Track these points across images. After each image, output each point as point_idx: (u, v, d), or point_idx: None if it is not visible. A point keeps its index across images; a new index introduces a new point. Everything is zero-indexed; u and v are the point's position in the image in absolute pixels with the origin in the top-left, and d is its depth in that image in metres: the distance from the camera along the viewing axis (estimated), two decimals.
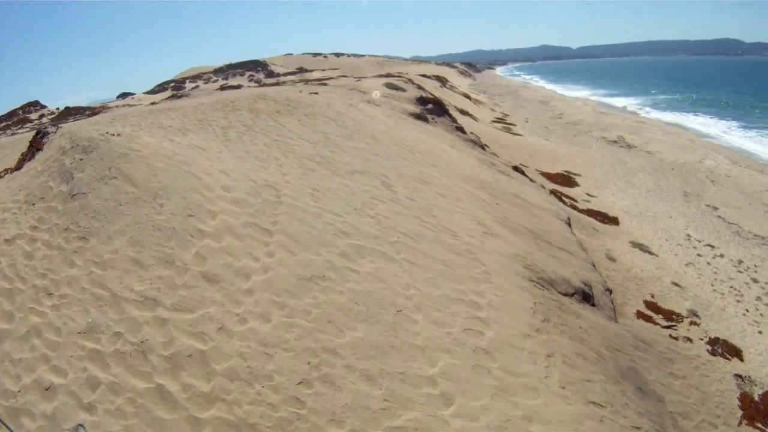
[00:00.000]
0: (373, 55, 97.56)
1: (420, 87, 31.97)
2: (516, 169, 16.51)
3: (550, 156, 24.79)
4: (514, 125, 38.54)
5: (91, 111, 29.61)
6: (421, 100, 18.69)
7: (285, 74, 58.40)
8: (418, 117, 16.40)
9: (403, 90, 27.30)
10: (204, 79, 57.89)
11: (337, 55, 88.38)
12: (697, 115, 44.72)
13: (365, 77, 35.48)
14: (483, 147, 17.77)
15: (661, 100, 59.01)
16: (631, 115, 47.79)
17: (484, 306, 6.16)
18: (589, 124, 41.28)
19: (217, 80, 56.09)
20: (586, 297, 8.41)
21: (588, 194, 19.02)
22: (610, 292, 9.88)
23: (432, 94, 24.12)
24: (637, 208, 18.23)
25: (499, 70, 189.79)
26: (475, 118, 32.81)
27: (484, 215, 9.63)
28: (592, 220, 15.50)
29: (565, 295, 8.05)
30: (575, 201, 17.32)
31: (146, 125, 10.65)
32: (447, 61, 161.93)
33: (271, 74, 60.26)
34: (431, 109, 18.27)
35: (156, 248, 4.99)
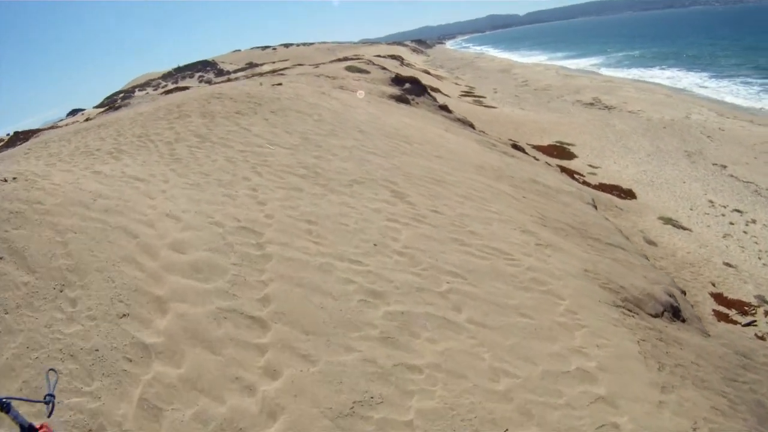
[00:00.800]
0: (323, 42, 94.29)
1: (383, 67, 29.76)
2: (515, 146, 14.54)
3: (535, 126, 22.95)
4: (484, 97, 36.65)
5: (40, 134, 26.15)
6: (397, 80, 16.45)
7: (235, 71, 55.04)
8: (399, 99, 14.17)
9: (367, 72, 25.04)
10: (153, 86, 54.37)
11: (286, 46, 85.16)
12: (663, 69, 43.81)
13: (322, 63, 32.86)
14: (472, 126, 15.72)
15: (621, 57, 58.19)
16: (596, 75, 46.59)
17: (597, 373, 4.13)
18: (558, 88, 39.81)
19: (167, 85, 52.67)
20: (676, 312, 6.50)
21: (591, 165, 17.23)
22: (685, 293, 8.03)
23: (398, 73, 21.89)
24: (646, 176, 16.57)
25: (450, 44, 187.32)
26: (446, 94, 30.73)
27: (522, 217, 7.58)
28: (609, 196, 13.70)
29: (656, 316, 6.11)
30: (582, 176, 15.50)
31: (67, 153, 8.12)
32: (397, 41, 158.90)
33: (221, 73, 56.90)
34: (410, 88, 16.06)
35: (68, 400, 2.69)
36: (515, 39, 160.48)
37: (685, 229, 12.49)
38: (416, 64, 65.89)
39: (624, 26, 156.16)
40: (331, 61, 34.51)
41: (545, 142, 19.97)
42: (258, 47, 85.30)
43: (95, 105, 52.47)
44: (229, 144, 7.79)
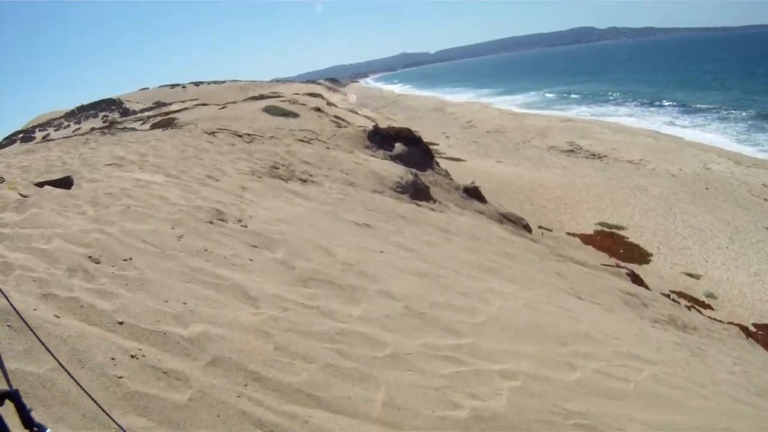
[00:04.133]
0: (234, 80, 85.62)
1: (318, 108, 21.89)
2: (633, 278, 7.24)
3: (547, 195, 16.14)
4: (437, 144, 29.92)
5: None
6: (378, 137, 8.72)
7: (141, 111, 45.79)
8: (418, 193, 6.39)
9: (296, 115, 17.39)
10: (55, 126, 45.38)
11: (196, 84, 76.70)
12: (618, 105, 39.93)
13: (232, 103, 24.59)
14: (528, 228, 8.31)
15: (556, 93, 54.73)
16: (546, 113, 41.66)
17: None
18: (513, 130, 34.24)
19: (69, 125, 44.02)
20: None
21: (688, 274, 10.44)
22: None
23: (378, 125, 14.37)
24: None
25: (363, 83, 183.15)
26: None
27: None
28: None
29: None
30: (700, 311, 8.51)
31: None
32: (309, 79, 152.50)
33: (126, 112, 47.74)
34: (405, 155, 8.37)
35: None
36: (430, 76, 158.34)
37: None
38: (338, 104, 58.99)
39: (541, 62, 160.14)
40: (244, 100, 26.29)
41: (585, 227, 13.10)
42: (167, 85, 76.05)
43: None
44: None
